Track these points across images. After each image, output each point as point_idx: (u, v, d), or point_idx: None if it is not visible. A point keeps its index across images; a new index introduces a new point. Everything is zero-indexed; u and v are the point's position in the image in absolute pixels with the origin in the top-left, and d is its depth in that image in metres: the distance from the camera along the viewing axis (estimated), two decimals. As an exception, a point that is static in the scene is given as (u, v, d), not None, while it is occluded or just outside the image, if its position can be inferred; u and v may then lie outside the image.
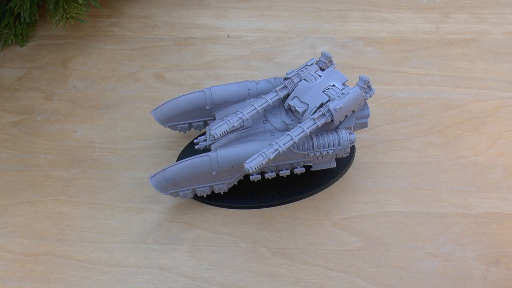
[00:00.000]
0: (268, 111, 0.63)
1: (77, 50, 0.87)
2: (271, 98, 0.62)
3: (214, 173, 0.61)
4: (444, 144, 0.71)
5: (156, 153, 0.72)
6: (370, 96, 0.63)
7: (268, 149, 0.57)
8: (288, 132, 0.58)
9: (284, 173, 0.64)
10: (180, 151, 0.71)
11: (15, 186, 0.70)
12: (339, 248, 0.63)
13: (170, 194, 0.63)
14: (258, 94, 0.65)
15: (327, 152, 0.61)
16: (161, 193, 0.62)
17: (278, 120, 0.62)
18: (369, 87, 0.63)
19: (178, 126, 0.68)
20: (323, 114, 0.59)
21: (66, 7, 0.82)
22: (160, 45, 0.87)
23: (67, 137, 0.75)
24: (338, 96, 0.60)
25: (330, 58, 0.64)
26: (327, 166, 0.64)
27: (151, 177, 0.62)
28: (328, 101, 0.60)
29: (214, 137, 0.59)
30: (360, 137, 0.72)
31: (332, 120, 0.60)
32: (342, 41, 0.86)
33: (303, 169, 0.64)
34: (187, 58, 0.85)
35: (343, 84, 0.62)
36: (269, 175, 0.64)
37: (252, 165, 0.56)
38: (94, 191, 0.69)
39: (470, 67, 0.81)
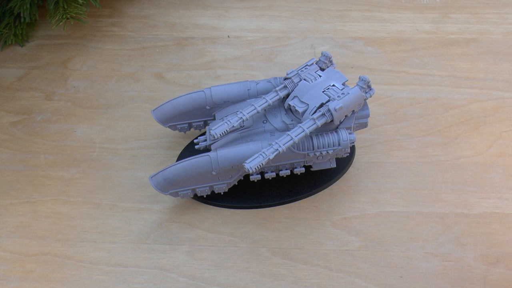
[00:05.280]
0: (268, 111, 0.63)
1: (77, 50, 0.87)
2: (271, 98, 0.62)
3: (214, 173, 0.61)
4: (444, 144, 0.71)
5: (156, 153, 0.72)
6: (370, 96, 0.63)
7: (268, 149, 0.57)
8: (288, 132, 0.58)
9: (284, 173, 0.64)
10: (180, 151, 0.71)
11: (15, 186, 0.70)
12: (339, 248, 0.63)
13: (170, 194, 0.63)
14: (258, 94, 0.65)
15: (327, 152, 0.61)
16: (161, 193, 0.62)
17: (278, 120, 0.63)
18: (369, 87, 0.63)
19: (178, 126, 0.68)
20: (323, 114, 0.59)
21: (66, 7, 0.82)
22: (160, 45, 0.87)
23: (67, 137, 0.75)
24: (338, 96, 0.60)
25: (330, 58, 0.64)
26: (327, 166, 0.64)
27: (151, 177, 0.62)
28: (328, 101, 0.60)
29: (214, 137, 0.59)
30: (360, 137, 0.72)
31: (332, 120, 0.60)
32: (342, 41, 0.86)
33: (303, 169, 0.64)
34: (187, 58, 0.85)
35: (343, 84, 0.62)
36: (269, 175, 0.64)
37: (252, 165, 0.56)
38: (94, 191, 0.69)
39: (470, 67, 0.81)
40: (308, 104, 0.60)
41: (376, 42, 0.85)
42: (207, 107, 0.66)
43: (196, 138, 0.68)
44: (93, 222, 0.66)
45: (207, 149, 0.65)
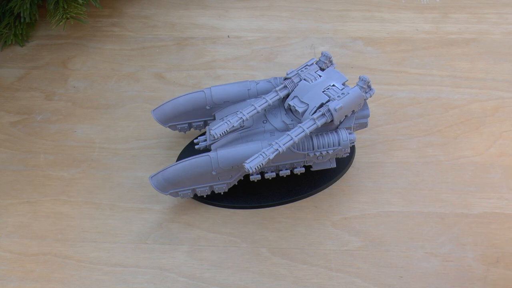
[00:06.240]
0: (268, 111, 0.63)
1: (77, 50, 0.87)
2: (271, 98, 0.62)
3: (214, 173, 0.61)
4: (444, 144, 0.71)
5: (156, 153, 0.72)
6: (370, 96, 0.63)
7: (268, 149, 0.57)
8: (288, 132, 0.58)
9: (284, 173, 0.64)
10: (180, 151, 0.71)
11: (15, 186, 0.70)
12: (339, 248, 0.63)
13: (170, 194, 0.63)
14: (258, 94, 0.65)
15: (327, 152, 0.61)
16: (161, 193, 0.62)
17: (278, 120, 0.63)
18: (369, 87, 0.63)
19: (178, 126, 0.68)
20: (323, 114, 0.59)
21: (66, 7, 0.82)
22: (160, 45, 0.87)
23: (67, 137, 0.75)
24: (338, 96, 0.60)
25: (330, 58, 0.64)
26: (327, 166, 0.64)
27: (151, 177, 0.62)
28: (328, 101, 0.60)
29: (214, 137, 0.59)
30: (360, 137, 0.72)
31: (332, 120, 0.60)
32: (342, 41, 0.86)
33: (303, 169, 0.64)
34: (187, 58, 0.85)
35: (343, 84, 0.62)
36: (269, 175, 0.64)
37: (252, 165, 0.56)
38: (94, 191, 0.69)
39: (470, 67, 0.81)
40: (308, 104, 0.60)
41: (376, 42, 0.85)
42: (207, 107, 0.66)
43: (196, 138, 0.68)
44: (93, 222, 0.66)
45: (207, 149, 0.65)
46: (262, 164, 0.57)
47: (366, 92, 0.62)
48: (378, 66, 0.82)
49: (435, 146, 0.71)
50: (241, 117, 0.60)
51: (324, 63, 0.64)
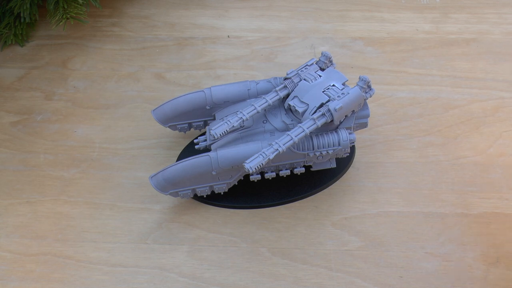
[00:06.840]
0: (268, 111, 0.63)
1: (77, 50, 0.87)
2: (271, 98, 0.62)
3: (214, 173, 0.61)
4: (444, 144, 0.71)
5: (156, 153, 0.72)
6: (370, 96, 0.63)
7: (268, 149, 0.57)
8: (288, 132, 0.58)
9: (284, 173, 0.64)
10: (180, 151, 0.71)
11: (15, 186, 0.70)
12: (339, 248, 0.63)
13: (170, 194, 0.63)
14: (258, 94, 0.65)
15: (327, 152, 0.61)
16: (161, 193, 0.62)
17: (278, 120, 0.63)
18: (369, 87, 0.63)
19: (178, 126, 0.68)
20: (323, 114, 0.59)
21: (66, 7, 0.82)
22: (160, 45, 0.87)
23: (67, 137, 0.75)
24: (338, 96, 0.60)
25: (330, 58, 0.64)
26: (327, 166, 0.64)
27: (151, 177, 0.62)
28: (328, 101, 0.60)
29: (214, 137, 0.59)
30: (360, 137, 0.72)
31: (332, 120, 0.60)
32: (342, 41, 0.86)
33: (303, 169, 0.64)
34: (187, 58, 0.85)
35: (343, 84, 0.62)
36: (269, 175, 0.64)
37: (252, 165, 0.56)
38: (94, 191, 0.69)
39: (470, 67, 0.81)
40: (308, 104, 0.60)
41: (376, 42, 0.85)
42: (207, 107, 0.66)
43: (196, 138, 0.68)
44: (93, 222, 0.66)
45: (207, 149, 0.65)
46: (262, 164, 0.57)
47: (366, 92, 0.62)
48: (378, 66, 0.82)
49: (435, 146, 0.71)
50: (241, 117, 0.60)
51: (324, 63, 0.64)
